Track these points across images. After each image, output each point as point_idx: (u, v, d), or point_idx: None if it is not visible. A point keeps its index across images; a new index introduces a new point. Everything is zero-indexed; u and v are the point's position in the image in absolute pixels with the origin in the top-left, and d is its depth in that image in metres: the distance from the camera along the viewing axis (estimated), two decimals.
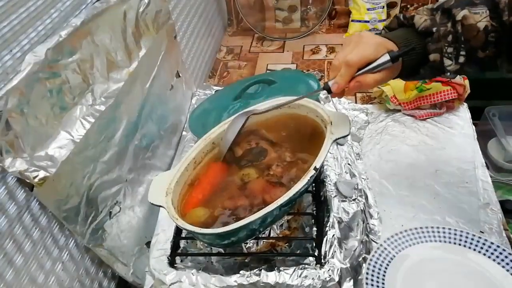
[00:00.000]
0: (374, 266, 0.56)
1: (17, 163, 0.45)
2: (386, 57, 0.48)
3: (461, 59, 0.49)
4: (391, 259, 0.58)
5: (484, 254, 0.57)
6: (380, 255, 0.58)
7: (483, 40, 0.48)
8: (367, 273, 0.55)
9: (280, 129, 0.62)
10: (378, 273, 0.56)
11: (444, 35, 0.49)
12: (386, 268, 0.57)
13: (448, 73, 0.51)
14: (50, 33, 0.53)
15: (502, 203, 0.77)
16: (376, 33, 0.53)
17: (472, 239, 0.59)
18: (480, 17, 0.48)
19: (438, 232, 0.61)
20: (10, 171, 0.44)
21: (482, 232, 0.68)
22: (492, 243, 0.58)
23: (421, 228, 0.61)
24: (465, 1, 0.50)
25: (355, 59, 0.48)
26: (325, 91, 0.51)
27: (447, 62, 0.50)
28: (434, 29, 0.50)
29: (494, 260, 0.56)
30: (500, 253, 0.57)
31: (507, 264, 0.56)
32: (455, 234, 0.60)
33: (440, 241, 0.60)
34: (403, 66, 0.51)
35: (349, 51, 0.48)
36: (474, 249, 0.58)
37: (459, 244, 0.59)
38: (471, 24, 0.48)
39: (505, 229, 0.68)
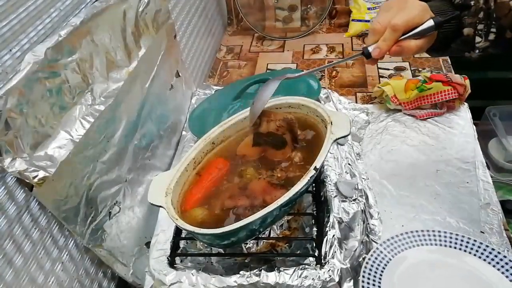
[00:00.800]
0: (370, 269, 0.56)
1: (17, 163, 0.45)
2: (431, 23, 0.47)
3: (491, 36, 0.49)
4: (388, 262, 0.58)
5: (480, 257, 0.57)
6: (376, 258, 0.58)
7: None
8: (363, 276, 0.55)
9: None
10: (375, 276, 0.56)
11: (476, 12, 0.48)
12: (382, 271, 0.57)
13: (477, 51, 0.50)
14: (50, 33, 0.52)
15: (503, 203, 0.76)
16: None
17: (468, 242, 0.59)
18: None
19: (435, 235, 0.60)
20: (9, 171, 0.44)
21: (483, 233, 0.68)
22: (487, 246, 0.58)
23: (417, 231, 0.61)
24: None
25: (401, 22, 0.47)
26: (362, 56, 0.50)
27: (477, 39, 0.49)
28: (472, 3, 0.49)
29: (489, 263, 0.56)
30: (495, 256, 0.57)
31: (502, 267, 0.56)
32: (451, 238, 0.60)
33: (436, 244, 0.60)
34: (438, 37, 0.51)
35: (394, 14, 0.47)
36: (470, 252, 0.58)
37: (455, 248, 0.59)
38: (503, 1, 0.47)
39: (505, 229, 0.68)
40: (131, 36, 0.67)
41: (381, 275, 0.56)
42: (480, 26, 0.49)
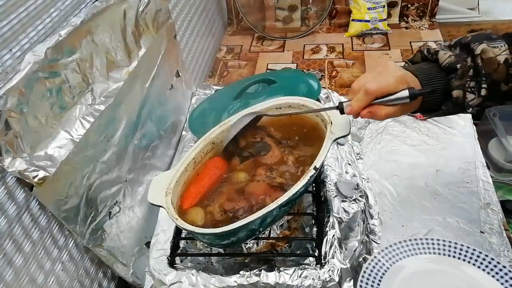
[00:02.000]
0: (368, 278, 0.56)
1: (17, 163, 0.45)
2: (405, 93, 0.47)
3: (483, 92, 0.49)
4: (385, 271, 0.57)
5: (479, 267, 0.57)
6: (374, 267, 0.58)
7: (505, 73, 0.48)
8: (360, 286, 0.55)
9: (285, 129, 0.62)
10: (372, 285, 0.55)
11: (463, 73, 0.49)
12: (380, 280, 0.56)
13: (470, 109, 0.50)
14: (50, 33, 0.52)
15: (503, 203, 0.76)
16: (397, 62, 0.53)
17: (467, 251, 0.58)
18: (499, 51, 0.48)
19: (433, 244, 0.60)
20: (9, 171, 0.44)
21: (483, 233, 0.68)
22: (486, 255, 0.57)
23: (415, 240, 0.61)
24: (483, 36, 0.50)
25: (374, 88, 0.47)
26: (337, 110, 0.51)
27: (469, 96, 0.49)
28: (458, 65, 0.49)
29: (488, 273, 0.56)
30: (495, 266, 0.56)
31: (502, 277, 0.55)
32: (450, 246, 0.60)
33: (435, 253, 0.59)
34: (425, 102, 0.51)
35: (371, 78, 0.48)
36: (469, 262, 0.58)
37: (454, 257, 0.59)
38: (490, 57, 0.48)
39: (505, 229, 0.68)
40: (131, 36, 0.67)
41: (379, 284, 0.56)
42: (471, 84, 0.49)
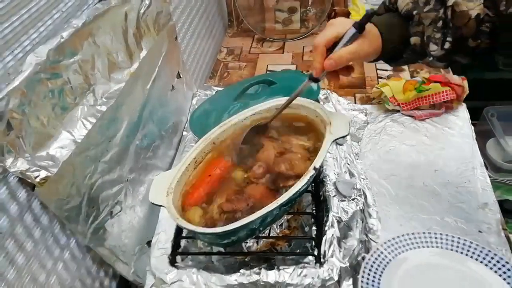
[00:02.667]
0: (370, 270, 0.56)
1: (19, 163, 0.45)
2: (352, 30, 0.48)
3: (447, 45, 0.49)
4: (388, 263, 0.58)
5: (481, 262, 0.57)
6: (376, 258, 0.58)
7: (474, 29, 0.47)
8: (362, 276, 0.55)
9: (283, 128, 0.62)
10: (374, 277, 0.56)
11: (434, 21, 0.49)
12: (382, 272, 0.57)
13: (431, 58, 0.50)
14: (52, 34, 0.53)
15: (501, 203, 0.77)
16: None
17: (470, 246, 0.59)
18: (473, 5, 0.47)
19: (436, 238, 0.60)
20: (11, 171, 0.45)
21: (481, 232, 0.68)
22: (489, 251, 0.57)
23: (418, 233, 0.61)
24: None
25: (319, 39, 0.49)
26: (310, 81, 0.52)
27: (432, 47, 0.49)
28: (415, 12, 0.49)
29: (491, 268, 0.56)
30: (498, 262, 0.56)
31: (504, 273, 0.55)
32: (453, 241, 0.60)
33: (438, 247, 0.59)
34: (386, 50, 0.51)
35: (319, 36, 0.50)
36: (472, 257, 0.58)
37: (457, 251, 0.59)
38: (462, 10, 0.47)
39: (503, 229, 0.68)
40: (132, 37, 0.68)
41: (380, 275, 0.56)
42: (437, 35, 0.49)
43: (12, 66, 0.46)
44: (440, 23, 0.48)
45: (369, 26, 0.50)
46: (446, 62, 0.51)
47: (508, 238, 0.67)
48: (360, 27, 0.48)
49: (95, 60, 0.58)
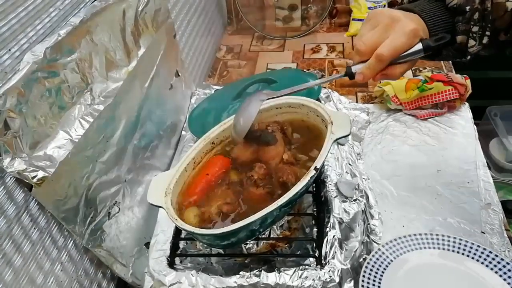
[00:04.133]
0: (371, 270, 0.56)
1: (16, 163, 0.44)
2: (419, 47, 0.43)
3: (485, 40, 0.45)
4: (389, 263, 0.57)
5: (482, 263, 0.57)
6: (377, 259, 0.58)
7: (509, 22, 0.45)
8: (363, 276, 0.55)
9: (300, 131, 0.62)
10: (375, 277, 0.55)
11: (470, 16, 0.45)
12: (383, 272, 0.56)
13: (468, 57, 0.47)
14: (49, 32, 0.52)
15: (504, 204, 0.76)
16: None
17: (471, 247, 0.58)
18: None
19: (438, 239, 0.60)
20: (8, 171, 0.44)
21: (484, 233, 0.67)
22: (490, 252, 0.57)
23: (420, 234, 0.61)
24: None
25: (387, 54, 0.43)
26: (346, 76, 0.48)
27: (471, 42, 0.46)
28: (468, 8, 0.45)
29: (492, 269, 0.56)
30: (499, 262, 0.56)
31: (505, 273, 0.55)
32: (454, 242, 0.59)
33: (439, 248, 0.59)
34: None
35: (377, 38, 0.44)
36: (473, 258, 0.58)
37: (458, 252, 0.59)
38: (500, 2, 0.44)
39: (506, 230, 0.68)
40: (130, 35, 0.67)
41: (381, 276, 0.56)
42: (475, 29, 0.45)
43: (9, 64, 0.46)
44: (476, 15, 0.45)
45: (420, 23, 0.45)
46: (477, 57, 0.48)
47: (511, 238, 0.67)
48: (429, 50, 0.44)
49: (92, 59, 0.57)
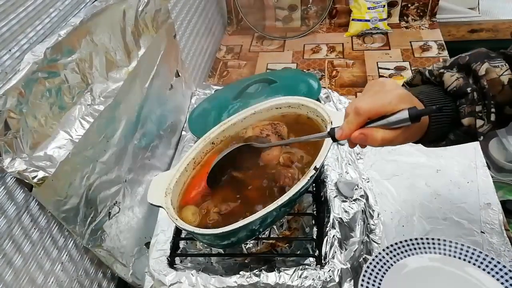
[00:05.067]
0: (370, 274, 0.56)
1: (16, 163, 0.44)
2: (404, 114, 0.39)
3: (493, 117, 0.43)
4: (389, 268, 0.57)
5: (484, 270, 0.56)
6: (377, 263, 0.57)
7: (510, 95, 0.43)
8: (362, 280, 0.55)
9: (296, 130, 0.61)
10: (374, 281, 0.55)
11: (473, 98, 0.44)
12: (382, 276, 0.56)
13: (481, 137, 0.44)
14: (49, 33, 0.52)
15: (503, 203, 0.76)
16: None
17: (473, 253, 0.58)
18: (501, 70, 0.44)
19: (439, 244, 0.60)
20: (9, 171, 0.44)
21: (483, 233, 0.67)
22: (492, 258, 0.57)
23: (421, 238, 0.60)
24: (482, 54, 0.45)
25: (365, 107, 0.41)
26: (328, 136, 0.45)
27: (478, 122, 0.44)
28: (469, 89, 0.43)
29: (493, 276, 0.55)
30: (500, 270, 0.56)
31: (507, 281, 0.55)
32: (456, 247, 0.59)
33: (440, 253, 0.59)
34: (433, 131, 0.44)
35: (363, 99, 0.42)
36: (474, 264, 0.57)
37: (459, 258, 0.58)
38: (494, 78, 0.43)
39: (506, 229, 0.68)
40: (130, 35, 0.67)
41: (381, 280, 0.56)
42: (478, 108, 0.43)
43: (9, 65, 0.46)
44: (475, 95, 0.43)
45: (416, 101, 0.43)
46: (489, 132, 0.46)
47: (510, 238, 0.67)
48: (416, 118, 0.39)
49: (93, 59, 0.57)
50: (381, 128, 0.41)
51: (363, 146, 0.44)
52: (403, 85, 0.50)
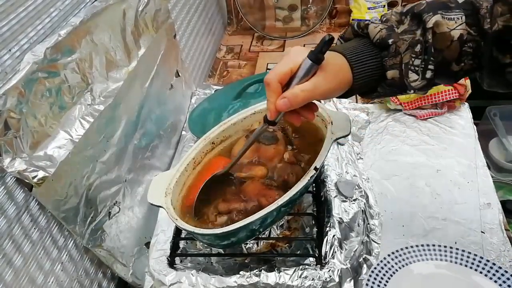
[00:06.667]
0: (375, 279, 0.56)
1: (16, 163, 0.44)
2: (306, 61, 0.40)
3: (429, 74, 0.42)
4: (394, 273, 0.57)
5: (491, 278, 0.56)
6: (382, 268, 0.57)
7: (458, 51, 0.41)
8: (366, 285, 0.55)
9: (300, 133, 0.61)
10: (379, 285, 0.55)
11: (411, 44, 0.42)
12: (387, 281, 0.56)
13: (412, 91, 0.43)
14: (49, 33, 0.52)
15: (503, 203, 0.76)
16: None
17: (480, 261, 0.58)
18: (455, 24, 0.41)
19: (446, 251, 0.59)
20: (9, 171, 0.44)
21: (483, 233, 0.67)
22: (500, 267, 0.56)
23: (427, 245, 0.60)
24: (438, 4, 0.42)
25: (271, 76, 0.41)
26: (266, 124, 0.45)
27: (412, 76, 0.42)
28: (390, 41, 0.42)
29: (501, 285, 0.55)
30: (508, 279, 0.55)
31: (510, 286, 0.55)
32: (463, 255, 0.59)
33: (446, 260, 0.59)
34: (358, 83, 0.43)
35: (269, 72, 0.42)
36: (481, 272, 0.57)
37: (466, 266, 0.58)
38: (443, 32, 0.41)
39: (506, 229, 0.68)
40: (130, 35, 0.67)
41: (385, 285, 0.56)
42: (416, 62, 0.42)
43: (9, 64, 0.46)
44: (418, 47, 0.41)
45: (335, 56, 0.43)
46: (427, 89, 0.45)
47: (510, 238, 0.67)
48: (316, 57, 0.40)
49: (93, 59, 0.57)
50: (297, 85, 0.41)
51: (306, 114, 0.44)
52: (338, 39, 0.48)
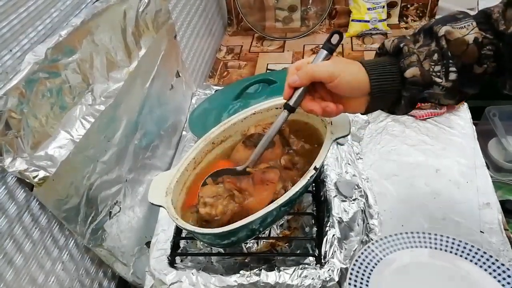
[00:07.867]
0: (359, 267, 0.56)
1: (17, 163, 0.45)
2: (321, 51, 0.46)
3: (452, 76, 0.43)
4: (378, 261, 0.57)
5: (476, 264, 0.56)
6: (367, 256, 0.57)
7: (477, 55, 0.43)
8: (351, 273, 0.54)
9: (298, 133, 0.62)
10: (363, 275, 0.55)
11: (428, 55, 0.44)
12: (371, 270, 0.56)
13: (441, 88, 0.44)
14: (50, 33, 0.52)
15: (503, 203, 0.77)
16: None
17: (465, 247, 0.58)
18: (466, 31, 0.43)
19: (430, 238, 0.59)
20: (10, 171, 0.44)
21: (483, 232, 0.68)
22: (484, 252, 0.56)
23: (411, 233, 0.60)
24: (446, 18, 0.45)
25: (291, 65, 0.46)
26: (285, 111, 0.47)
27: (436, 80, 0.44)
28: (402, 44, 0.44)
29: (486, 270, 0.55)
30: (492, 263, 0.55)
31: (499, 275, 0.54)
32: (447, 241, 0.59)
33: (431, 247, 0.59)
34: (375, 84, 0.45)
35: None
36: (466, 258, 0.57)
37: (451, 252, 0.58)
38: (457, 38, 0.43)
39: (505, 229, 0.68)
40: (131, 36, 0.67)
41: (369, 274, 0.56)
42: (436, 68, 0.43)
43: (10, 65, 0.46)
44: (435, 56, 0.43)
45: (351, 61, 0.46)
46: (457, 96, 0.46)
47: (509, 238, 0.67)
48: (328, 47, 0.45)
49: (93, 59, 0.58)
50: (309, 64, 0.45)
51: (317, 104, 0.46)
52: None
